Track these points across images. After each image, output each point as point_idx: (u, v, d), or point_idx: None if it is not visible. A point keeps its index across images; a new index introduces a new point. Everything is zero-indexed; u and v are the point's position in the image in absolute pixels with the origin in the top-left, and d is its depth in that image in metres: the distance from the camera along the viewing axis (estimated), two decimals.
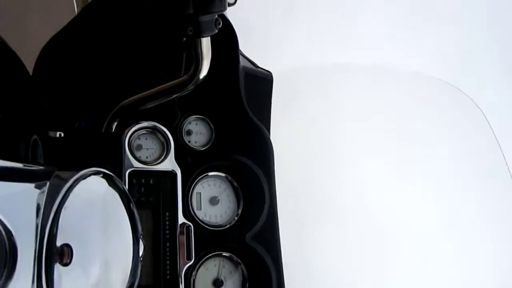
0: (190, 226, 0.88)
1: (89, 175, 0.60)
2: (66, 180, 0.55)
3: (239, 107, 0.97)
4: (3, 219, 0.46)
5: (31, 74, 0.86)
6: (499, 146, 1.32)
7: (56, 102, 0.91)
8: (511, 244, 1.44)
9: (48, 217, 0.51)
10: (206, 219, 0.93)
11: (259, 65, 1.04)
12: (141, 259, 0.68)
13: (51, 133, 0.83)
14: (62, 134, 0.84)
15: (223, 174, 0.96)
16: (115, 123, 0.88)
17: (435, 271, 1.41)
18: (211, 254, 0.91)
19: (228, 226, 0.94)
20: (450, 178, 1.47)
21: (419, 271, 1.41)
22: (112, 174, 0.65)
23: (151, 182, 0.88)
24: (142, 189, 0.87)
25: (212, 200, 0.94)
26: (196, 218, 0.91)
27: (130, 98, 0.87)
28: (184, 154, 0.92)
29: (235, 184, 0.96)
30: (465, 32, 1.66)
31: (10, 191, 0.49)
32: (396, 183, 1.45)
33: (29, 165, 0.55)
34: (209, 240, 0.91)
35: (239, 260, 0.93)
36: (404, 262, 1.41)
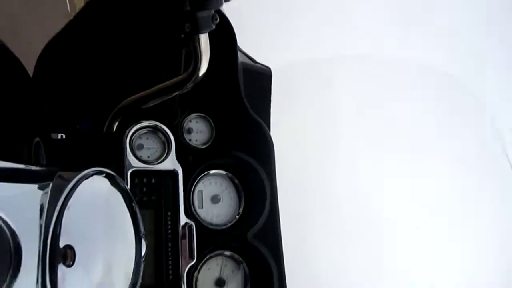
0: (192, 226, 0.87)
1: (92, 175, 0.60)
2: (69, 181, 0.55)
3: (238, 104, 0.96)
4: (7, 220, 0.46)
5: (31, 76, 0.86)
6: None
7: (57, 104, 0.90)
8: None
9: (52, 218, 0.51)
10: (208, 218, 0.93)
11: (258, 61, 1.04)
12: (144, 259, 0.68)
13: (53, 135, 0.83)
14: (64, 136, 0.84)
15: (224, 172, 0.96)
16: (116, 123, 0.88)
17: (435, 268, 1.42)
18: (213, 254, 0.91)
19: (229, 224, 0.94)
20: (450, 176, 1.47)
21: (419, 269, 1.42)
22: (114, 174, 0.65)
23: (153, 181, 0.88)
24: (144, 189, 0.87)
25: (214, 199, 0.94)
26: (198, 217, 0.91)
27: (131, 98, 0.87)
28: (185, 153, 0.92)
29: (236, 181, 0.96)
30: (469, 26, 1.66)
31: (13, 192, 0.49)
32: (396, 179, 1.46)
33: (32, 166, 0.55)
34: (211, 239, 0.90)
35: (241, 259, 0.92)
36: (405, 260, 1.41)
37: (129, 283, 0.64)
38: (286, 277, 0.93)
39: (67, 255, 0.54)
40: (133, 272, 0.64)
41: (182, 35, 0.79)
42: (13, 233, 0.47)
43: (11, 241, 0.47)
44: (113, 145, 0.86)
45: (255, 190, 0.95)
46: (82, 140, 0.85)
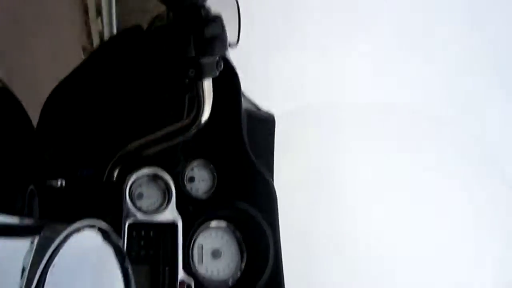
0: (191, 285, 0.82)
1: (82, 229, 0.55)
2: (56, 236, 0.50)
3: (242, 153, 0.93)
4: None
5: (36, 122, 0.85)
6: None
7: (60, 150, 0.89)
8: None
9: (33, 279, 0.46)
10: (208, 274, 0.87)
11: (263, 107, 1.02)
12: None
13: (53, 182, 0.81)
14: (64, 183, 0.82)
15: (225, 224, 0.91)
16: (117, 170, 0.85)
17: None
18: None
19: (231, 281, 0.87)
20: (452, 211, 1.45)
21: None
22: (107, 229, 0.60)
23: (151, 234, 0.84)
24: (142, 242, 0.83)
25: (215, 253, 0.88)
26: (197, 274, 0.85)
27: (132, 144, 0.85)
28: (185, 203, 0.88)
29: (238, 234, 0.91)
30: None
31: None
32: (399, 218, 1.42)
33: (17, 218, 0.50)
34: None
35: None
36: None
37: None
38: None
39: None
40: None
41: (186, 80, 0.77)
42: None
43: None
44: (112, 194, 0.83)
45: (258, 244, 0.90)
46: (81, 188, 0.83)
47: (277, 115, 1.02)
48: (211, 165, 0.93)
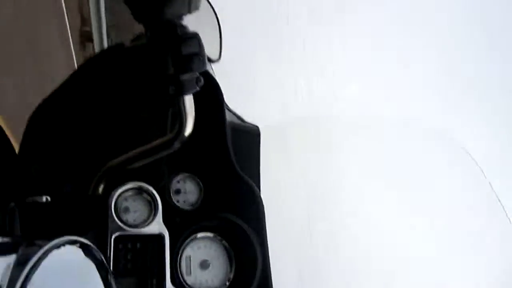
0: None
1: (63, 245, 0.57)
2: (35, 252, 0.52)
3: (227, 164, 0.95)
4: None
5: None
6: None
7: (45, 166, 0.90)
8: None
9: None
10: (197, 285, 0.88)
11: (246, 119, 1.04)
12: None
13: (38, 198, 0.82)
14: (49, 199, 0.82)
15: (213, 235, 0.92)
16: (102, 185, 0.86)
17: None
18: None
19: None
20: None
21: None
22: (89, 243, 0.61)
23: (138, 246, 0.84)
24: (128, 255, 0.84)
25: (203, 264, 0.89)
26: (186, 285, 0.87)
27: (117, 159, 0.86)
28: (172, 215, 0.89)
29: (226, 245, 0.92)
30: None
31: None
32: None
33: None
34: None
35: None
36: None
37: None
38: None
39: None
40: None
41: (167, 97, 0.79)
42: None
43: None
44: (97, 208, 0.84)
45: (246, 254, 0.91)
46: (66, 203, 0.84)
47: (261, 128, 1.04)
48: (197, 178, 0.95)
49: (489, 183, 1.22)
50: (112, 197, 0.84)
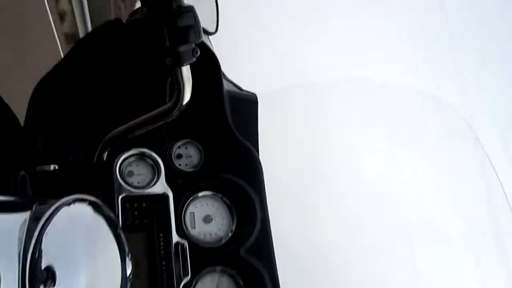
0: (184, 244, 0.90)
1: (72, 202, 0.64)
2: (47, 208, 0.59)
3: (226, 129, 1.00)
4: None
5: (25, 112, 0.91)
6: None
7: (51, 137, 0.95)
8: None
9: (30, 243, 0.55)
10: (201, 237, 0.96)
11: (244, 88, 1.08)
12: (130, 277, 0.71)
13: (46, 167, 0.88)
14: (57, 167, 0.89)
15: (213, 193, 0.99)
16: (106, 153, 0.92)
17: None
18: (207, 270, 0.93)
19: (222, 242, 0.96)
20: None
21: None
22: (97, 201, 0.69)
23: (144, 205, 0.91)
24: (136, 213, 0.91)
25: (206, 219, 0.97)
26: (190, 237, 0.94)
27: (118, 128, 0.91)
28: (175, 177, 0.95)
29: (227, 201, 0.99)
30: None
31: None
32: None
33: (10, 196, 0.60)
34: (205, 257, 0.93)
35: (235, 274, 0.94)
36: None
37: None
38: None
39: (47, 277, 0.58)
40: None
41: (165, 68, 0.85)
42: None
43: None
44: (103, 173, 0.90)
45: (246, 210, 0.98)
46: (74, 171, 0.90)
47: (265, 93, 1.08)
48: (197, 143, 1.00)
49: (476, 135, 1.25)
50: (116, 162, 0.90)
